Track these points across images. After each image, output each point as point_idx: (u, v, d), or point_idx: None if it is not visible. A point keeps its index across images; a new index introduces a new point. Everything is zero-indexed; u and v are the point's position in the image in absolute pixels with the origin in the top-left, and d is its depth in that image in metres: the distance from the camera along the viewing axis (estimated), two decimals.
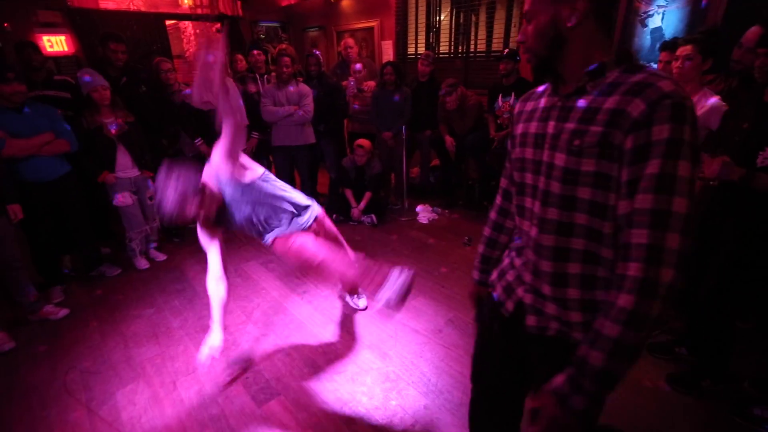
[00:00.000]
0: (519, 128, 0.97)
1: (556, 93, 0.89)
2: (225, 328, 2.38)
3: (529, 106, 0.98)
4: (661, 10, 2.89)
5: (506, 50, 3.52)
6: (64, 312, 2.53)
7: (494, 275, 1.11)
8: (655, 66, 2.88)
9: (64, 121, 2.55)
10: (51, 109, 2.54)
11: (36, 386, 1.99)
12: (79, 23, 4.63)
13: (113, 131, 2.72)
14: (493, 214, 1.19)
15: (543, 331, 0.93)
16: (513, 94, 3.54)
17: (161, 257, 3.21)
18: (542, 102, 0.93)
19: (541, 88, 0.98)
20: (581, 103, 0.82)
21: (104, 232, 3.33)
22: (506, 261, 1.07)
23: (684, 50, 1.96)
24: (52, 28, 4.48)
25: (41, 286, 2.63)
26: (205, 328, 2.38)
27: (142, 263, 3.09)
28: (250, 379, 1.99)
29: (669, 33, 2.86)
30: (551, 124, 0.87)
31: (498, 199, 1.17)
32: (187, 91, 3.27)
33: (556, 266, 0.87)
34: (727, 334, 1.79)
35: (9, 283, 2.35)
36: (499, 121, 3.70)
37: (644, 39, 3.01)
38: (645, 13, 2.96)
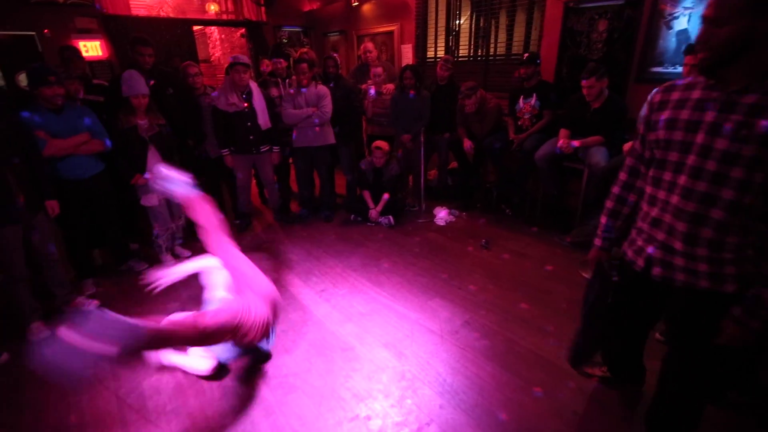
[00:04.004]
0: (663, 114, 1.16)
1: (714, 88, 1.06)
2: None
3: (675, 95, 1.16)
4: (687, 12, 2.83)
5: (526, 55, 3.51)
6: (94, 303, 2.65)
7: (624, 245, 1.37)
8: (680, 69, 2.83)
9: (99, 122, 2.68)
10: (87, 110, 2.67)
11: (70, 373, 2.09)
12: (112, 29, 4.86)
13: (145, 132, 2.84)
14: (616, 189, 1.42)
15: (668, 282, 1.19)
16: (534, 95, 3.52)
17: (186, 254, 3.32)
18: (695, 94, 1.11)
19: (682, 81, 1.18)
20: (747, 99, 0.99)
21: (133, 229, 3.47)
22: (633, 232, 1.33)
23: None
24: (87, 34, 4.71)
25: (73, 279, 2.77)
26: None
27: (168, 259, 3.20)
28: (269, 374, 2.05)
29: (696, 35, 2.80)
30: (710, 113, 1.05)
31: (622, 176, 1.40)
32: (214, 93, 3.39)
33: (691, 228, 1.11)
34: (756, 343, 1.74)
35: (46, 275, 2.48)
36: (519, 123, 3.68)
37: (669, 41, 2.96)
38: (670, 15, 2.91)
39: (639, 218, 1.29)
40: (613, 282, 1.47)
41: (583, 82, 2.94)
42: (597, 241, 1.50)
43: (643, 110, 1.26)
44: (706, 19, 1.01)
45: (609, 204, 1.43)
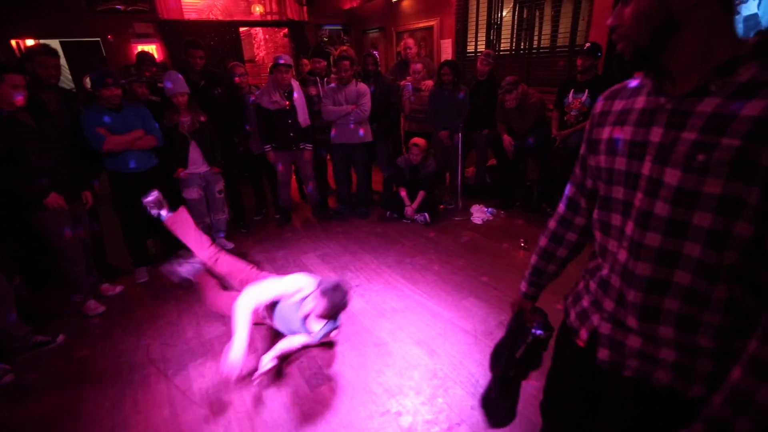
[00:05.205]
0: (604, 132, 0.83)
1: (662, 92, 0.73)
2: None
3: (618, 105, 0.83)
4: None
5: (587, 44, 3.31)
6: (119, 288, 2.89)
7: (569, 299, 1.00)
8: None
9: (153, 120, 2.88)
10: (143, 109, 2.87)
11: (125, 352, 2.28)
12: (167, 33, 5.18)
13: (186, 129, 3.02)
14: (552, 224, 1.06)
15: (617, 368, 0.83)
16: (587, 91, 3.34)
17: (229, 245, 3.49)
18: (639, 102, 0.78)
19: (633, 83, 0.83)
20: (705, 107, 0.66)
21: None
22: (581, 284, 0.96)
23: None
24: (145, 38, 5.05)
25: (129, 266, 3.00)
26: None
27: None
28: (304, 364, 2.12)
29: (767, 20, 2.55)
30: (656, 131, 0.72)
31: (560, 208, 1.04)
32: (258, 92, 3.53)
33: (649, 299, 0.75)
34: None
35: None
36: (565, 118, 3.52)
37: (736, 27, 2.71)
38: None
39: (588, 268, 0.94)
40: (531, 338, 1.08)
41: (636, 74, 2.76)
42: (522, 286, 1.16)
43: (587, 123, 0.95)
44: None
45: (542, 241, 1.09)
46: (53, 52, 2.54)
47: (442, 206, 4.11)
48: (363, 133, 3.71)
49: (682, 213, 0.68)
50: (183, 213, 2.56)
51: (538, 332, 1.07)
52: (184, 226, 2.50)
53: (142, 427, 1.80)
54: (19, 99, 2.13)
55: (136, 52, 3.97)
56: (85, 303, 2.62)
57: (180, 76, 3.00)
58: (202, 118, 3.10)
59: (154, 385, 2.03)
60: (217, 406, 1.88)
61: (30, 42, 4.54)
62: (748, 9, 2.63)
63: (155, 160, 2.95)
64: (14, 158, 2.18)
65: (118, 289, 2.88)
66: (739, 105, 0.62)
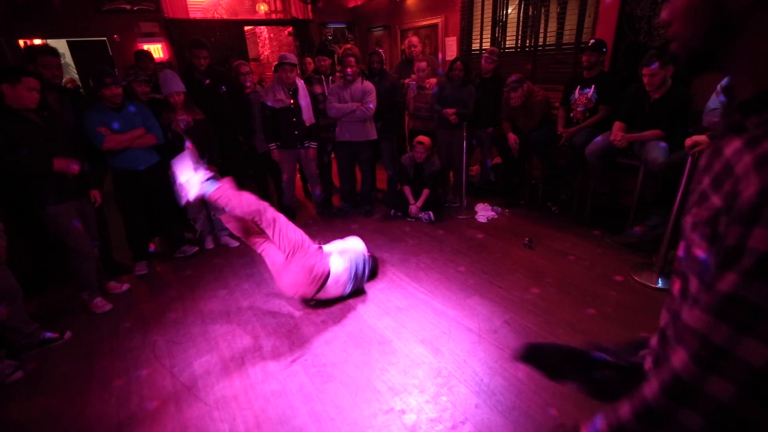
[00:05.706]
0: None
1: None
2: (289, 312, 2.56)
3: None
4: None
5: (592, 41, 3.29)
6: (126, 286, 2.92)
7: None
8: None
9: (154, 118, 2.90)
10: (144, 107, 2.89)
11: (132, 350, 2.30)
12: (172, 32, 5.20)
13: (182, 126, 3.03)
14: None
15: None
16: (593, 87, 3.31)
17: (234, 244, 3.50)
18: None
19: None
20: (728, 149, 0.51)
21: (187, 219, 3.71)
22: None
23: None
24: (151, 38, 5.08)
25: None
26: (271, 311, 2.58)
27: (209, 243, 3.48)
28: (309, 362, 2.12)
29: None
30: (702, 162, 0.58)
31: None
32: (262, 91, 3.54)
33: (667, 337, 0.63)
34: None
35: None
36: (572, 114, 3.49)
37: None
38: None
39: None
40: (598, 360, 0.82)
41: (645, 70, 2.73)
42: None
43: None
44: None
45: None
46: (54, 52, 2.57)
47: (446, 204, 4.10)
48: (367, 130, 3.70)
49: (688, 265, 0.56)
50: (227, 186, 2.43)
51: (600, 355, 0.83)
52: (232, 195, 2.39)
53: (148, 424, 1.81)
54: (33, 101, 2.17)
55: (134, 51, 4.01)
56: (93, 300, 2.64)
57: (175, 75, 3.01)
58: (199, 117, 3.12)
59: (160, 382, 2.05)
60: (222, 402, 1.90)
61: (37, 41, 4.59)
62: None
63: (156, 158, 2.97)
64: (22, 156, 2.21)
65: (125, 287, 2.91)
66: (742, 155, 0.47)
